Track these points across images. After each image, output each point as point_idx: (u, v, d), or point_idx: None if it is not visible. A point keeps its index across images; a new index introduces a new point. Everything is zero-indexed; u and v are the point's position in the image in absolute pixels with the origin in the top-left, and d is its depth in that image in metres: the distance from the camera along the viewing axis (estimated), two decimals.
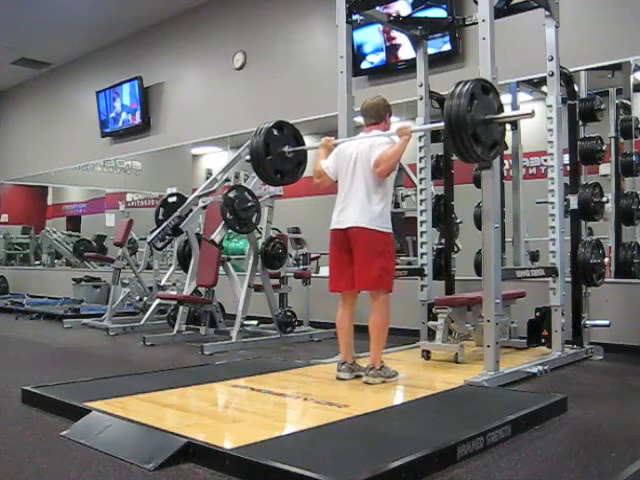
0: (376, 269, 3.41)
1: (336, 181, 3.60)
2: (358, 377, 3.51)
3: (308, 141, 8.03)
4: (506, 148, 4.98)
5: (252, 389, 3.34)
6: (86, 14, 8.29)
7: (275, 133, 3.94)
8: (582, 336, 4.37)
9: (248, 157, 4.39)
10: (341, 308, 3.62)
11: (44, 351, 5.31)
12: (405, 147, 3.44)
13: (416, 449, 2.15)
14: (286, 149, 3.96)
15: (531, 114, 3.25)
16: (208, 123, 7.96)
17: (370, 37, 6.23)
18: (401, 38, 5.93)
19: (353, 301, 3.60)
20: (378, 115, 3.60)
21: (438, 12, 5.47)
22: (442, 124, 3.17)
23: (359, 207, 3.42)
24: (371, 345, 3.50)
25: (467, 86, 3.06)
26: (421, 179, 4.79)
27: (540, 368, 3.70)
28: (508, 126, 5.33)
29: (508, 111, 3.62)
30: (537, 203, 4.66)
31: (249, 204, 5.13)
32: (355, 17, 4.28)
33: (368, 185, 3.42)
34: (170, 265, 6.70)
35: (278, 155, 3.93)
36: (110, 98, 9.27)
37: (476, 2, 3.70)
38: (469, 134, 3.03)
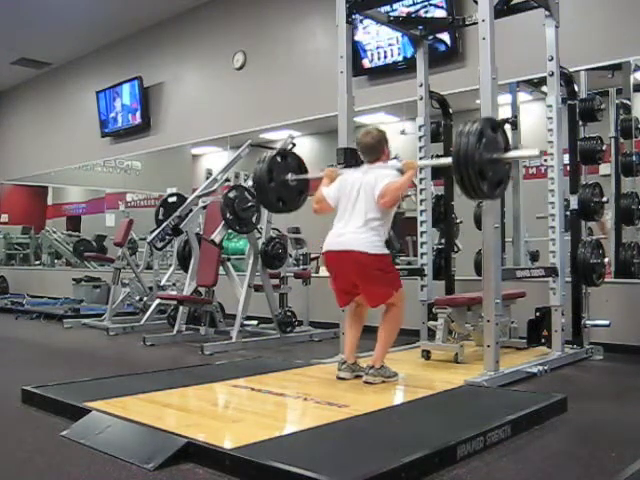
0: (382, 286, 3.46)
1: (335, 208, 3.61)
2: (358, 377, 3.50)
3: (308, 140, 8.15)
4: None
5: (252, 389, 3.34)
6: (86, 14, 8.29)
7: (279, 160, 3.95)
8: (582, 336, 4.37)
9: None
10: (349, 309, 3.67)
11: (44, 351, 5.31)
12: (410, 180, 3.54)
13: (416, 449, 2.15)
14: (289, 177, 3.96)
15: (538, 155, 3.30)
16: (208, 123, 7.96)
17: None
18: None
19: (363, 303, 3.62)
20: (376, 152, 3.64)
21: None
22: (449, 160, 3.19)
23: (358, 233, 3.42)
24: (377, 345, 3.51)
25: (476, 125, 3.07)
26: (421, 179, 4.78)
27: (540, 368, 3.70)
28: (508, 126, 5.35)
29: (515, 151, 3.67)
30: (537, 218, 4.69)
31: (249, 204, 5.13)
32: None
33: (369, 213, 3.44)
34: (170, 265, 6.70)
35: (281, 182, 3.93)
36: (110, 98, 9.27)
37: (476, 2, 3.70)
38: (476, 171, 3.04)
